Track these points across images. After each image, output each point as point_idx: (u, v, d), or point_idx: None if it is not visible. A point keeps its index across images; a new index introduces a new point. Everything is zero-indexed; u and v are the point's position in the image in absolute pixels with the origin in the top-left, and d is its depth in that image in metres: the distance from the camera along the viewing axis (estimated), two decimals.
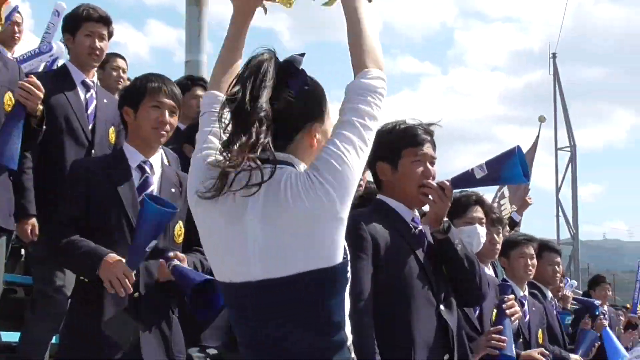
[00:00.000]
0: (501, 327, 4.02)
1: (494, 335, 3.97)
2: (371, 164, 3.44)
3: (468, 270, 3.51)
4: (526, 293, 5.26)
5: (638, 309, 10.46)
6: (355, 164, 2.27)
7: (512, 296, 4.20)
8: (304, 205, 2.20)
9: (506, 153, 3.50)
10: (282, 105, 2.31)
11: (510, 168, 3.43)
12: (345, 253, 2.28)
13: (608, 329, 8.05)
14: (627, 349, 10.00)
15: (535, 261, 5.32)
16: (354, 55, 2.45)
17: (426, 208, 3.60)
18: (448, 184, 3.43)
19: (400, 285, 3.26)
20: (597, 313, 8.24)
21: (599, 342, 6.83)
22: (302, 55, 2.38)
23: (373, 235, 3.25)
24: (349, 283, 2.32)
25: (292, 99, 2.33)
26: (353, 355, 2.32)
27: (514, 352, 4.09)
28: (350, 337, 2.32)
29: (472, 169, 3.50)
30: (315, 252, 2.23)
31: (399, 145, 3.40)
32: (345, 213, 2.25)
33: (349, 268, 2.30)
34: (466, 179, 3.52)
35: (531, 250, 5.32)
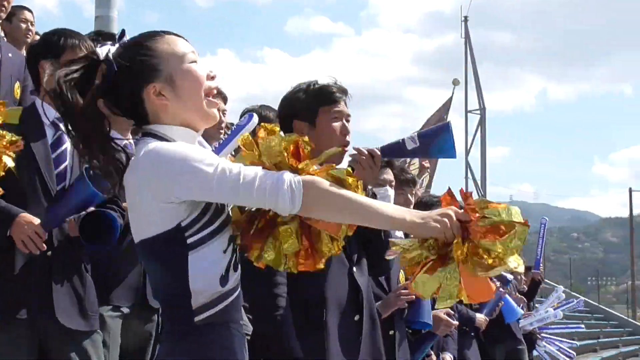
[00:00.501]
0: (408, 282, 4.09)
1: (402, 291, 4.03)
2: (286, 123, 3.44)
3: (383, 240, 3.56)
4: None
5: (540, 265, 10.77)
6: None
7: None
8: (133, 176, 2.39)
9: (439, 128, 3.57)
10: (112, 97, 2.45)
11: (442, 143, 3.49)
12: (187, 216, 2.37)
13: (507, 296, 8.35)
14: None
15: None
16: None
17: None
18: (378, 152, 3.46)
19: None
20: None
21: (502, 303, 7.02)
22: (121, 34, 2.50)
23: None
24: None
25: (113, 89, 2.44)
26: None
27: (431, 319, 4.17)
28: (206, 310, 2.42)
29: (404, 140, 3.53)
30: (145, 221, 2.41)
31: (315, 104, 3.41)
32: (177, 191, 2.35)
33: (188, 234, 2.38)
34: (397, 149, 3.55)
35: None
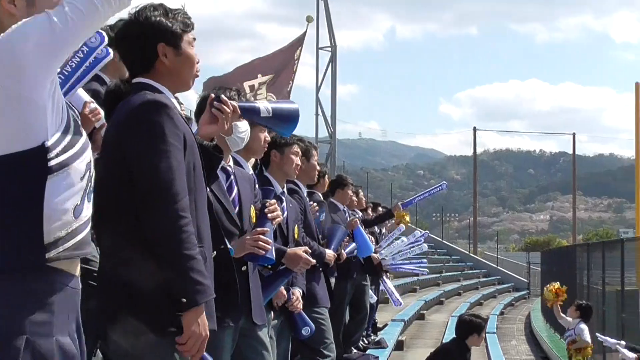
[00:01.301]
0: (267, 229, 4.08)
1: (260, 236, 4.01)
2: (152, 46, 3.28)
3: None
4: (285, 190, 5.34)
5: (407, 207, 10.95)
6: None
7: (274, 201, 4.25)
8: None
9: (292, 111, 3.72)
10: None
11: (289, 125, 3.72)
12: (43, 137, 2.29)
13: (361, 227, 8.49)
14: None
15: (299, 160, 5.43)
16: None
17: None
18: (239, 110, 3.54)
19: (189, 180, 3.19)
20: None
21: (348, 237, 7.11)
22: None
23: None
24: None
25: None
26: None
27: (274, 256, 4.16)
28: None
29: (260, 107, 3.66)
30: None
31: (182, 29, 3.29)
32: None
33: (51, 156, 2.29)
34: (250, 112, 3.68)
35: (299, 149, 5.41)
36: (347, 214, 8.92)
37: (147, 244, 3.00)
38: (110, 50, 3.94)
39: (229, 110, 3.51)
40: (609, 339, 9.69)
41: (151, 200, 2.98)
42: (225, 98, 3.55)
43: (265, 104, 3.69)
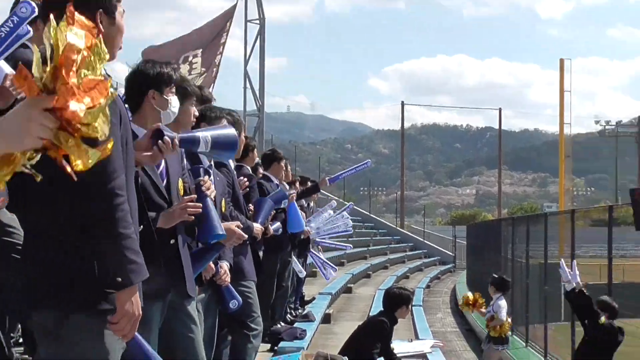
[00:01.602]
0: (195, 196, 4.07)
1: (189, 203, 3.99)
2: (92, 14, 3.20)
3: None
4: (212, 163, 5.30)
5: (335, 182, 11.00)
6: None
7: (207, 177, 4.23)
8: None
9: (230, 139, 4.08)
10: None
11: (228, 153, 4.15)
12: None
13: (295, 203, 8.53)
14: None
15: None
16: None
17: None
18: (178, 146, 3.79)
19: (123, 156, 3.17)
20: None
21: (274, 211, 7.12)
22: None
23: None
24: None
25: None
26: None
27: (224, 231, 4.15)
28: None
29: (200, 137, 3.95)
30: None
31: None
32: None
33: None
34: (190, 143, 3.98)
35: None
36: (279, 187, 8.94)
37: (79, 221, 2.94)
38: (30, 28, 3.82)
39: (170, 150, 3.76)
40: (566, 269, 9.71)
41: (86, 178, 2.92)
42: (169, 139, 3.73)
43: (204, 134, 3.95)
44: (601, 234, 13.67)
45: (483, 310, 13.43)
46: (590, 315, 8.59)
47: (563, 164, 46.24)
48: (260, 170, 8.60)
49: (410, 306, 8.34)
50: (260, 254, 7.40)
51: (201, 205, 4.07)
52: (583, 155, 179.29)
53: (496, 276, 13.94)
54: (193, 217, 4.00)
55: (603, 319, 8.58)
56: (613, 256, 11.91)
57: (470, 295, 13.97)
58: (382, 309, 8.29)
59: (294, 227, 8.71)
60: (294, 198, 8.60)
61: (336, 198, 57.26)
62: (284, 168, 9.23)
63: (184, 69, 13.53)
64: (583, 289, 8.66)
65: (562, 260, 9.74)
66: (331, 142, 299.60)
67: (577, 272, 8.71)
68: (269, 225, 7.18)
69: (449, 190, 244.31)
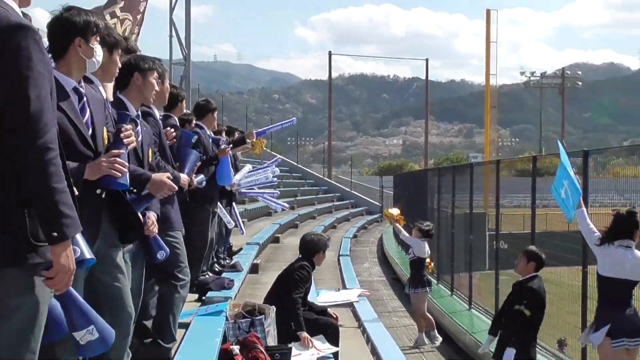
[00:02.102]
0: (123, 151, 3.99)
1: (117, 159, 3.91)
2: None
3: None
4: (139, 112, 5.22)
5: (261, 136, 10.97)
6: None
7: (130, 126, 4.15)
8: None
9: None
10: None
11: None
12: None
13: (228, 156, 8.49)
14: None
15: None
16: None
17: None
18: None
19: None
20: (220, 143, 8.61)
21: (200, 162, 7.06)
22: None
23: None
24: None
25: None
26: None
27: (128, 182, 4.08)
28: None
29: None
30: None
31: None
32: None
33: None
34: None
35: (157, 75, 5.34)
36: (210, 138, 8.88)
37: (12, 176, 2.87)
38: None
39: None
40: None
41: (18, 131, 2.84)
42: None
43: None
44: (525, 184, 13.91)
45: (399, 225, 13.92)
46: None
47: (489, 115, 46.87)
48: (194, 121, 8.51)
49: (326, 252, 8.42)
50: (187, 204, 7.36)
51: (127, 164, 4.01)
52: (508, 106, 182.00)
53: (424, 227, 14.18)
54: (120, 174, 3.93)
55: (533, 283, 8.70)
56: (536, 206, 12.12)
57: (393, 212, 14.48)
58: (300, 255, 8.34)
59: (224, 180, 8.66)
60: (229, 151, 8.53)
61: (264, 148, 57.19)
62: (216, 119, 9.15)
63: (108, 17, 13.24)
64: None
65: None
66: (258, 92, 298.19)
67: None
68: (193, 177, 7.12)
69: (376, 141, 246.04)
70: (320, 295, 10.09)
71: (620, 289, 7.57)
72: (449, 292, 17.08)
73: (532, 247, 9.25)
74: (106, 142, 4.08)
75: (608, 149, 12.23)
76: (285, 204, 11.40)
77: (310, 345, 7.49)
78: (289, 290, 7.81)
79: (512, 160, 28.62)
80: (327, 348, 7.62)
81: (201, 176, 7.53)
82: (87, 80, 4.18)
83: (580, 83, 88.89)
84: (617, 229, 7.61)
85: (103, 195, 4.01)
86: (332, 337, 8.02)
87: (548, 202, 18.13)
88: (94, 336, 3.22)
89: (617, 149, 12.25)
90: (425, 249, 13.61)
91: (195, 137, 7.79)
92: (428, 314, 13.74)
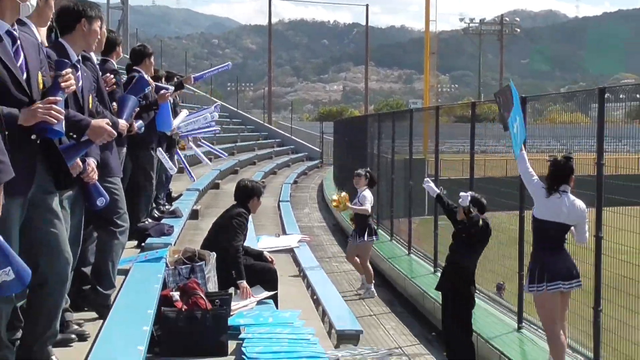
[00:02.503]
0: (59, 98, 3.91)
1: (53, 106, 3.84)
2: None
3: None
4: (80, 57, 5.15)
5: (200, 80, 10.84)
6: None
7: (69, 70, 4.06)
8: None
9: None
10: None
11: None
12: None
13: (168, 102, 8.40)
14: None
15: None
16: None
17: None
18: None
19: None
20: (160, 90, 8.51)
21: (138, 108, 6.96)
22: None
23: None
24: None
25: None
26: None
27: (64, 129, 4.01)
28: None
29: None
30: None
31: None
32: None
33: None
34: None
35: (101, 23, 5.37)
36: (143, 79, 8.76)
37: None
38: None
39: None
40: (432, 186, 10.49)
41: None
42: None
43: None
44: (464, 130, 14.03)
45: (349, 204, 13.81)
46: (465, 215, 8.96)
47: (428, 61, 47.01)
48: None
49: (261, 198, 8.41)
50: (124, 150, 7.28)
51: (63, 112, 3.93)
52: (448, 53, 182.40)
53: (369, 173, 14.27)
54: (56, 121, 3.86)
55: (481, 221, 8.93)
56: (475, 152, 12.24)
57: (335, 197, 14.50)
58: (235, 201, 8.32)
59: (164, 127, 8.57)
60: (168, 96, 8.43)
61: (203, 94, 56.64)
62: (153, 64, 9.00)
63: None
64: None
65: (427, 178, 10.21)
66: (198, 37, 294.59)
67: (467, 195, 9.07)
68: (133, 122, 7.03)
69: (317, 87, 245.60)
70: (260, 241, 10.10)
71: (555, 233, 7.70)
72: (389, 238, 17.25)
73: (474, 194, 9.39)
74: (41, 86, 4.00)
75: (545, 96, 12.35)
76: (224, 152, 11.29)
77: (249, 295, 7.52)
78: (229, 238, 7.79)
79: (451, 106, 28.79)
80: (265, 295, 7.66)
81: (140, 122, 7.44)
82: (21, 24, 4.07)
83: (518, 30, 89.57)
84: (555, 175, 7.72)
85: (38, 141, 3.94)
86: (271, 281, 8.06)
87: (486, 147, 18.33)
88: (10, 277, 3.21)
89: (554, 96, 12.38)
90: (370, 197, 13.73)
91: (149, 88, 7.70)
92: (369, 266, 13.87)
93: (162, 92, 8.36)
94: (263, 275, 8.03)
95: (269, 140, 50.44)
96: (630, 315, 7.68)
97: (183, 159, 11.03)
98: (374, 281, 13.75)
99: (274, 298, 7.89)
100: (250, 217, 8.33)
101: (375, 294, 13.64)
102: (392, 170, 17.55)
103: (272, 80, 79.83)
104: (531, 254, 8.03)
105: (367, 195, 13.72)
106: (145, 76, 8.34)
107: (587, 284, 8.19)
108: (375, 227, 14.39)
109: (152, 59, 8.78)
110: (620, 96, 9.31)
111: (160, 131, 8.82)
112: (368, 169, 15.13)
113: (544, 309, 7.80)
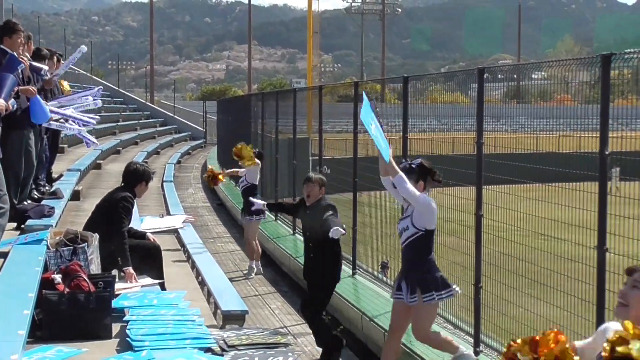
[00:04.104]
0: None
1: None
2: None
3: None
4: None
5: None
6: None
7: None
8: None
9: None
10: None
11: None
12: None
13: (38, 97, 8.14)
14: None
15: None
16: None
17: None
18: None
19: None
20: (42, 73, 8.26)
21: (17, 87, 6.76)
22: None
23: None
24: None
25: None
26: None
27: None
28: None
29: None
30: None
31: None
32: None
33: None
34: None
35: None
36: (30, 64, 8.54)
37: None
38: None
39: None
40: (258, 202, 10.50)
41: None
42: None
43: None
44: (347, 109, 14.15)
45: (222, 178, 14.05)
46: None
47: (311, 40, 47.15)
48: None
49: (149, 184, 8.29)
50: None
51: None
52: (331, 32, 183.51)
53: (256, 150, 14.33)
54: None
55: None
56: (358, 131, 12.35)
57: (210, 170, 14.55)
58: (123, 183, 8.18)
59: (39, 118, 8.30)
60: (34, 92, 8.13)
61: (83, 72, 55.23)
62: (22, 42, 8.67)
63: None
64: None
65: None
66: (77, 13, 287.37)
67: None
68: (9, 103, 6.82)
69: (199, 65, 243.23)
70: (144, 222, 9.96)
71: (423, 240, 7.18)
72: (273, 218, 17.29)
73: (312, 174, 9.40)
74: None
75: (426, 76, 12.54)
76: (95, 141, 10.97)
77: (135, 281, 7.43)
78: (114, 223, 7.66)
79: (334, 85, 28.93)
80: (151, 283, 7.57)
81: (12, 100, 7.22)
82: None
83: (399, 10, 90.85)
84: (426, 178, 7.25)
85: None
86: (156, 259, 7.98)
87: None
88: None
89: (434, 76, 12.59)
90: (257, 175, 13.76)
91: (22, 66, 7.47)
92: (256, 244, 13.92)
93: (25, 87, 8.07)
94: (147, 253, 7.93)
95: (152, 120, 49.70)
96: (508, 290, 7.90)
97: (70, 131, 10.67)
98: (259, 260, 13.89)
99: (162, 285, 7.79)
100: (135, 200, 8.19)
101: (262, 271, 13.75)
102: (276, 150, 17.58)
103: (154, 59, 78.67)
104: (432, 263, 7.32)
105: (255, 169, 13.78)
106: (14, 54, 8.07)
107: (468, 261, 8.40)
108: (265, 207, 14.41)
109: (17, 36, 8.37)
110: (499, 76, 9.56)
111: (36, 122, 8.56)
112: (256, 149, 15.11)
113: (432, 315, 7.35)
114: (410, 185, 6.94)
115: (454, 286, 7.22)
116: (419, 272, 7.10)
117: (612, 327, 3.48)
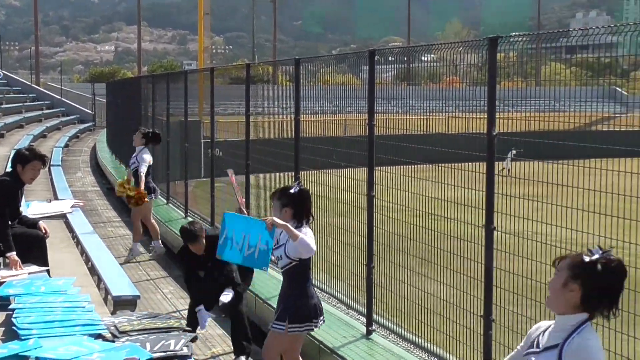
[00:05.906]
0: None
1: None
2: None
3: None
4: None
5: None
6: None
7: None
8: None
9: None
10: None
11: None
12: None
13: None
14: None
15: None
16: None
17: None
18: None
19: None
20: None
21: None
22: None
23: None
24: None
25: None
26: None
27: None
28: None
29: None
30: None
31: None
32: None
33: None
34: None
35: None
36: None
37: None
38: None
39: None
40: None
41: None
42: None
43: None
44: (239, 91, 14.07)
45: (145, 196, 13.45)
46: None
47: (202, 22, 46.62)
48: None
49: (39, 169, 8.08)
50: None
51: None
52: (222, 13, 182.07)
53: (148, 131, 14.06)
54: None
55: None
56: (250, 113, 12.30)
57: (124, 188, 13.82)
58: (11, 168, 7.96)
59: None
60: None
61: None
62: None
63: None
64: None
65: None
66: None
67: None
68: None
69: (87, 47, 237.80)
70: (31, 207, 9.69)
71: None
72: (165, 201, 17.08)
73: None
74: None
75: (318, 58, 12.57)
76: None
77: (19, 267, 7.22)
78: None
79: (226, 67, 28.72)
80: (37, 270, 7.36)
81: None
82: None
83: None
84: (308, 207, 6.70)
85: None
86: (41, 247, 7.78)
87: (262, 109, 18.48)
88: None
89: (326, 58, 12.62)
90: (148, 157, 13.48)
91: None
92: (154, 222, 13.90)
93: None
94: (32, 243, 7.73)
95: (38, 103, 48.41)
96: (400, 270, 8.01)
97: None
98: (159, 239, 13.86)
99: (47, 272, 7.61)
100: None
101: (163, 249, 13.70)
102: (168, 133, 17.35)
103: (39, 40, 76.58)
104: (305, 292, 6.68)
105: (146, 156, 13.46)
106: None
107: (360, 241, 8.47)
108: (155, 186, 14.21)
109: None
110: (390, 59, 9.63)
111: None
112: (149, 130, 14.82)
113: (280, 344, 6.81)
114: (305, 239, 6.22)
115: (321, 318, 6.70)
116: (290, 299, 6.63)
117: (543, 325, 3.59)
